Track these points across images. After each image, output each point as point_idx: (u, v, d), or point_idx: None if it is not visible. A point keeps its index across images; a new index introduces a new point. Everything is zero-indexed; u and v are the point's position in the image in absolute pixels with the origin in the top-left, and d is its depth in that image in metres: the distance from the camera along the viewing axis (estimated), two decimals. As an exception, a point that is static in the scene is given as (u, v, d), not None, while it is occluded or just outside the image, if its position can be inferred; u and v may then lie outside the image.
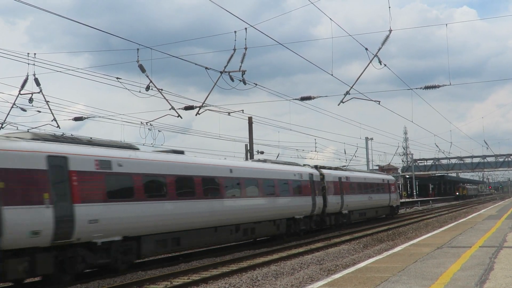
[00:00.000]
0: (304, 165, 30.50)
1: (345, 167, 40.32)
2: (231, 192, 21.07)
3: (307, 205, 27.04)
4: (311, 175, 28.01)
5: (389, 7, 21.25)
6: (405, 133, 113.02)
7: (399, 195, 46.04)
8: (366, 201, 36.52)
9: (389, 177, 45.05)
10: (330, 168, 32.74)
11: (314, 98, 24.32)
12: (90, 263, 14.85)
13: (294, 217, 25.71)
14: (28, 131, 16.52)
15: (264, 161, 27.16)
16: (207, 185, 19.66)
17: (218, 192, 20.29)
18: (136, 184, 16.32)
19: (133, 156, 16.68)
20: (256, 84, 22.87)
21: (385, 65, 21.95)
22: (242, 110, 28.56)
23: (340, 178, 31.86)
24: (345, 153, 57.58)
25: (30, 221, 12.90)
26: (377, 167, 74.89)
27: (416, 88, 25.18)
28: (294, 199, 25.86)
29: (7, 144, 13.13)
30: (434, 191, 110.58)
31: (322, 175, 29.52)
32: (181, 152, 20.41)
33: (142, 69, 20.23)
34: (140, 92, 21.20)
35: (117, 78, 21.37)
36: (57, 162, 13.95)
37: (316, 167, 30.64)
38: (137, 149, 18.00)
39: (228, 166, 21.50)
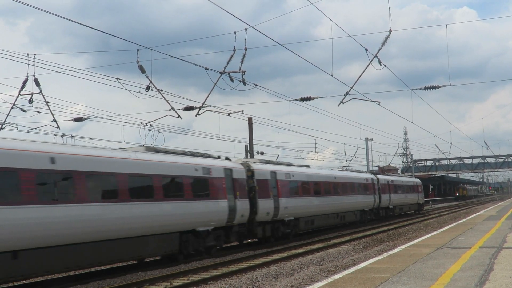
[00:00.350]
0: (366, 172, 43.41)
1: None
2: (335, 191, 31.64)
3: (371, 201, 38.06)
4: (372, 179, 39.20)
5: (389, 8, 21.27)
6: (405, 133, 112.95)
7: (423, 195, 57.09)
8: (404, 199, 47.82)
9: (418, 180, 56.50)
10: (380, 174, 46.22)
11: (314, 98, 24.30)
12: (282, 231, 25.08)
13: (363, 209, 36.56)
14: (255, 158, 26.82)
15: (346, 170, 39.89)
16: (326, 187, 30.40)
17: (330, 192, 30.90)
18: (299, 186, 27.12)
19: (298, 170, 27.72)
20: (256, 85, 22.86)
21: (385, 65, 21.93)
22: (242, 111, 28.51)
23: (387, 181, 42.52)
24: (345, 153, 57.36)
25: (266, 206, 23.43)
26: (377, 168, 74.85)
27: (416, 89, 25.17)
28: (364, 197, 36.90)
29: (257, 166, 23.80)
30: (434, 192, 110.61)
31: (377, 179, 40.31)
32: (308, 166, 32.19)
33: (142, 70, 20.20)
34: (140, 92, 21.18)
35: (117, 78, 21.35)
36: (273, 175, 24.49)
37: (372, 173, 42.76)
38: (293, 165, 29.11)
39: (333, 175, 32.90)
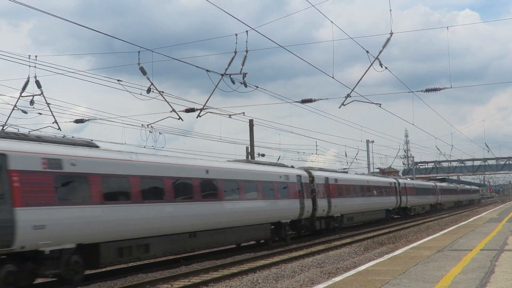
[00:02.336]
0: (390, 177, 51.58)
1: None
2: (368, 193, 38.06)
3: (394, 202, 44.38)
4: (395, 183, 45.47)
5: (390, 10, 21.34)
6: (406, 135, 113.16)
7: (437, 196, 64.58)
8: (421, 200, 55.50)
9: (438, 184, 65.70)
10: (400, 178, 52.73)
11: (315, 100, 24.30)
12: (332, 225, 30.76)
13: (388, 208, 43.07)
14: (313, 166, 32.37)
15: (374, 174, 50.78)
16: (362, 190, 36.37)
17: (365, 194, 37.14)
18: (344, 189, 32.73)
19: (342, 176, 33.97)
20: (257, 87, 22.87)
21: (386, 67, 21.95)
22: (243, 113, 28.55)
23: (405, 184, 48.88)
24: (346, 155, 57.40)
25: (323, 205, 29.01)
26: (377, 170, 74.78)
27: (417, 91, 25.13)
28: (389, 198, 43.00)
29: (316, 173, 29.37)
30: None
31: (398, 183, 46.35)
32: (346, 172, 41.66)
33: (143, 72, 20.24)
34: (141, 94, 21.21)
35: (118, 80, 21.39)
36: (326, 180, 30.12)
37: (395, 178, 49.27)
38: (337, 171, 36.14)
39: (367, 179, 39.42)
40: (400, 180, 47.90)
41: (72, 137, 18.25)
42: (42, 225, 12.98)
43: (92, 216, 14.37)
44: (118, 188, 15.72)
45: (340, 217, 31.71)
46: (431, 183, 63.30)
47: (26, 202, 12.68)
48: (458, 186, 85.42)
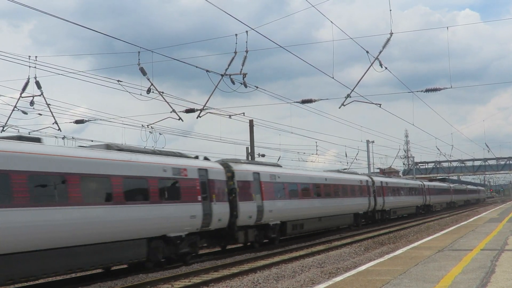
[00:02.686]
0: (418, 180, 61.82)
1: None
2: (405, 193, 48.94)
3: (421, 200, 54.63)
4: (421, 185, 55.79)
5: (390, 10, 21.34)
6: (406, 136, 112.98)
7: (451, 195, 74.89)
8: (440, 199, 65.28)
9: (451, 185, 76.05)
10: (424, 181, 61.98)
11: (315, 101, 24.27)
12: (384, 216, 41.39)
13: (417, 205, 53.67)
14: (374, 173, 50.48)
15: (406, 178, 61.45)
16: (401, 191, 47.47)
17: (402, 193, 47.24)
18: (391, 189, 42.87)
19: (392, 180, 46.11)
20: (257, 87, 22.86)
21: (385, 68, 21.93)
22: (243, 113, 28.51)
23: (428, 185, 58.40)
24: (346, 156, 57.33)
25: (380, 201, 40.29)
26: (378, 170, 74.70)
27: (417, 91, 25.09)
28: (418, 197, 53.46)
29: (375, 178, 41.28)
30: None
31: (423, 184, 56.62)
32: (390, 177, 53.64)
33: (143, 72, 20.21)
34: (141, 95, 21.20)
35: (118, 81, 21.38)
36: (381, 183, 40.93)
37: (420, 181, 59.60)
38: (390, 176, 50.01)
39: (404, 182, 50.87)
40: (424, 182, 58.36)
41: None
42: (271, 210, 23.50)
43: (285, 206, 24.92)
44: (293, 189, 26.41)
45: (388, 210, 42.34)
46: (446, 185, 72.57)
47: (266, 197, 23.10)
48: (467, 187, 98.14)
